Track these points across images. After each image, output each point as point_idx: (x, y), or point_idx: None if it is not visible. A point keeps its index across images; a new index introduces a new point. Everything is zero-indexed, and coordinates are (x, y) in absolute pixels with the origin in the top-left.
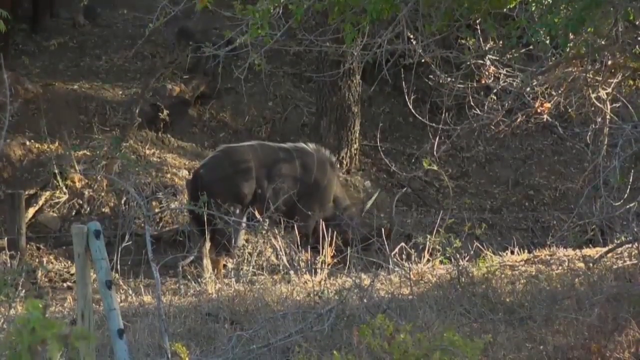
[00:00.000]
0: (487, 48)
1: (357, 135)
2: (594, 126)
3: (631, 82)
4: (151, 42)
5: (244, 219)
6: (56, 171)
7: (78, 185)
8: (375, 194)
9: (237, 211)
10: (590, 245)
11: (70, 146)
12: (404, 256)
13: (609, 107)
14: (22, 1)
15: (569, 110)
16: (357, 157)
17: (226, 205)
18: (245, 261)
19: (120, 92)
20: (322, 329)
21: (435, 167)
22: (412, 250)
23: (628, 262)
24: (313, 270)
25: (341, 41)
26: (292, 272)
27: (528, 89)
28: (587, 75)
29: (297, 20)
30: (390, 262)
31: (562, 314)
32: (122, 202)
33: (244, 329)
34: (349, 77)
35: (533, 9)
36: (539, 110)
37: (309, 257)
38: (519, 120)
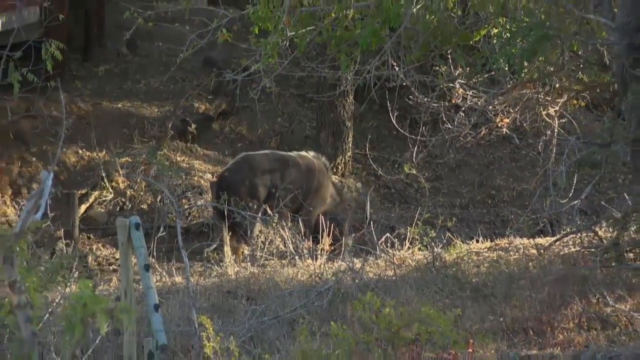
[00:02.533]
0: (456, 74)
1: (350, 145)
2: (544, 138)
3: (575, 101)
4: (182, 69)
5: (259, 214)
6: (103, 175)
7: (121, 186)
8: (368, 200)
9: (254, 207)
10: (542, 235)
11: (115, 154)
12: (388, 244)
13: (556, 122)
14: (75, 34)
15: (524, 124)
16: (350, 163)
17: (244, 202)
18: (259, 248)
19: (156, 110)
20: (322, 304)
21: (414, 171)
22: (395, 239)
23: (572, 249)
24: (314, 256)
25: (337, 68)
26: (297, 257)
27: (490, 107)
28: (539, 96)
29: (301, 51)
30: (377, 249)
31: (519, 292)
32: (158, 200)
33: (258, 304)
34: (344, 98)
35: (495, 41)
36: (499, 125)
37: (311, 245)
38: (482, 132)
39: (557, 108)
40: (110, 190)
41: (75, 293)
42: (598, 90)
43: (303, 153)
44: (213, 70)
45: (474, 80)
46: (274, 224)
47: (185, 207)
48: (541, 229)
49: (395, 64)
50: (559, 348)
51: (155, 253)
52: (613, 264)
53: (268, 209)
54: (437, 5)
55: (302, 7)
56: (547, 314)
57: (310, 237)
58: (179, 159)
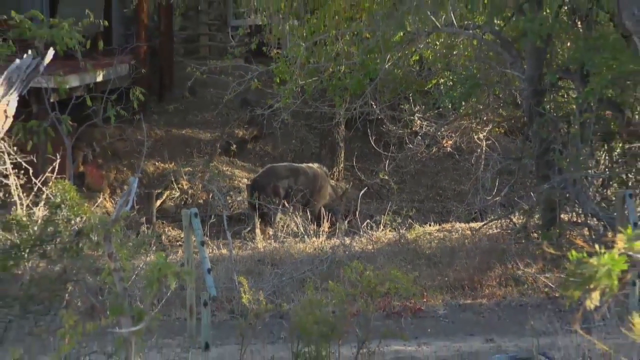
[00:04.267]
0: (415, 110)
1: (342, 159)
2: (475, 154)
3: (497, 129)
4: (226, 107)
5: (280, 207)
6: (172, 179)
7: (185, 187)
8: (359, 197)
9: (277, 202)
10: (474, 221)
11: (180, 165)
12: (369, 227)
13: (484, 143)
14: (153, 83)
15: (462, 145)
16: (342, 171)
17: (270, 199)
18: (279, 230)
19: (209, 135)
20: (323, 269)
21: (386, 177)
22: (373, 224)
23: (495, 231)
24: (317, 235)
25: (333, 106)
26: (305, 236)
27: (438, 133)
28: (472, 125)
29: (308, 94)
30: (361, 231)
31: (458, 260)
32: (210, 197)
33: (278, 269)
34: (338, 127)
35: (442, 87)
36: (444, 145)
37: (315, 228)
38: (433, 150)
39: (484, 134)
40: (177, 190)
41: (153, 261)
42: (512, 121)
43: (310, 164)
44: (248, 108)
45: (427, 114)
46: (290, 214)
47: (229, 201)
48: (474, 217)
49: (373, 103)
50: (485, 299)
51: (208, 233)
52: (523, 241)
53: (286, 203)
54: (402, 62)
55: (309, 64)
56: (477, 275)
57: (315, 222)
58: (224, 168)
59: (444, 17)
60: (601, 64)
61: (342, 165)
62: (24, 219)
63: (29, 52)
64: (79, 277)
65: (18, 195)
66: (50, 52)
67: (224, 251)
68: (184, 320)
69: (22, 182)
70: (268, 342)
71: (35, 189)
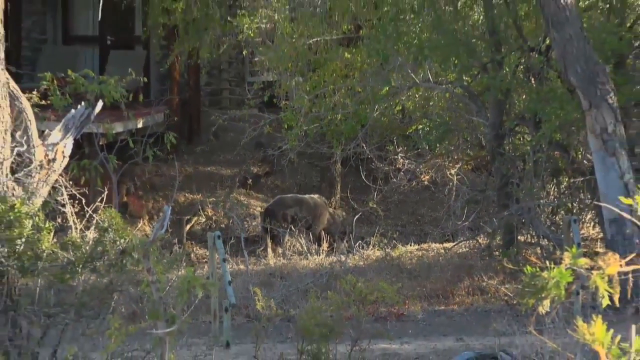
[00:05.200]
0: (399, 150)
1: (339, 191)
2: (448, 187)
3: (465, 166)
4: (244, 148)
5: (287, 230)
6: (199, 208)
7: (210, 214)
8: (354, 223)
9: (285, 226)
10: (447, 242)
11: (205, 196)
12: (360, 247)
13: (455, 178)
14: (183, 129)
15: (437, 179)
16: (338, 201)
17: (279, 224)
18: (287, 249)
19: (229, 171)
20: (322, 281)
21: (375, 206)
22: (364, 244)
23: (464, 250)
24: (318, 254)
25: (331, 147)
26: (309, 254)
27: (418, 169)
28: (445, 163)
29: (311, 137)
30: (354, 250)
31: (433, 274)
32: (230, 222)
33: (286, 281)
34: (335, 164)
35: (420, 132)
36: (422, 179)
37: (316, 247)
38: (413, 184)
39: (455, 170)
40: (203, 216)
41: (184, 275)
42: (478, 160)
43: (312, 195)
44: (261, 149)
45: (408, 154)
46: (295, 236)
47: (246, 226)
48: (447, 238)
49: (364, 145)
50: (456, 305)
51: (228, 252)
52: (487, 258)
53: (292, 227)
54: (388, 112)
55: (311, 113)
56: (449, 286)
57: (316, 243)
58: (242, 199)
59: (422, 74)
60: (551, 113)
61: (338, 195)
62: (78, 240)
63: (82, 103)
64: (123, 288)
65: (73, 221)
66: (100, 104)
67: (242, 266)
68: (209, 323)
69: (76, 210)
70: (278, 341)
71: (87, 216)
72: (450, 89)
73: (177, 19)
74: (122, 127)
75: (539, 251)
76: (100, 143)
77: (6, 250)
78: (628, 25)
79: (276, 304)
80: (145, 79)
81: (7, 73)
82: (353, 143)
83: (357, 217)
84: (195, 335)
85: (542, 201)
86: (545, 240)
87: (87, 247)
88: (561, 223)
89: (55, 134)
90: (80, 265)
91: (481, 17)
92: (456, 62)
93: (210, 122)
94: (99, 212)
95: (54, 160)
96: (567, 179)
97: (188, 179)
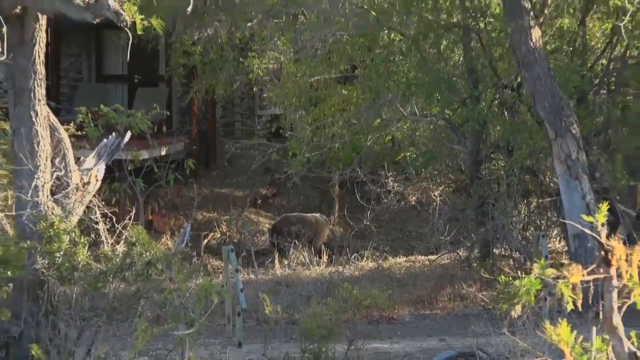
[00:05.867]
0: (389, 175)
1: (337, 210)
2: (432, 206)
3: (447, 188)
4: (254, 172)
5: (292, 244)
6: (215, 224)
7: (224, 230)
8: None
9: (290, 241)
10: (431, 254)
11: (220, 215)
12: (355, 259)
13: (438, 198)
14: (201, 156)
15: (422, 200)
16: (336, 219)
17: (285, 238)
18: (292, 261)
19: (241, 193)
20: (323, 288)
21: (368, 223)
22: (359, 256)
23: (446, 261)
24: (319, 264)
25: (330, 172)
26: (310, 265)
27: (405, 191)
28: (430, 185)
29: (312, 163)
30: (350, 261)
31: (419, 282)
32: (242, 237)
33: (291, 288)
34: (333, 187)
35: (408, 158)
36: (410, 200)
37: (317, 259)
38: (402, 204)
39: (438, 192)
40: (219, 232)
41: (201, 283)
42: (458, 183)
43: (313, 214)
44: (269, 173)
45: (397, 178)
46: (299, 249)
47: (256, 240)
48: (431, 251)
49: (359, 170)
50: (439, 310)
51: (240, 263)
52: (466, 269)
53: (296, 242)
54: (380, 141)
55: (313, 142)
56: (433, 293)
57: (317, 255)
58: (252, 217)
59: (409, 108)
60: (522, 142)
61: (336, 214)
62: (109, 253)
63: (113, 134)
64: (148, 295)
65: (105, 236)
66: (128, 134)
67: (252, 276)
68: (223, 325)
69: (108, 227)
70: (284, 341)
71: (117, 232)
72: (434, 121)
73: (196, 60)
74: (148, 154)
75: (511, 262)
76: (129, 168)
77: (47, 261)
78: (589, 65)
79: (282, 309)
80: (168, 113)
81: (47, 108)
82: (349, 168)
83: (352, 232)
84: (212, 336)
85: (514, 219)
86: (517, 253)
87: (117, 259)
88: (531, 238)
89: (90, 161)
90: (111, 275)
91: (461, 59)
92: (439, 97)
93: (225, 150)
94: (128, 228)
95: (88, 183)
96: (536, 200)
97: (205, 200)
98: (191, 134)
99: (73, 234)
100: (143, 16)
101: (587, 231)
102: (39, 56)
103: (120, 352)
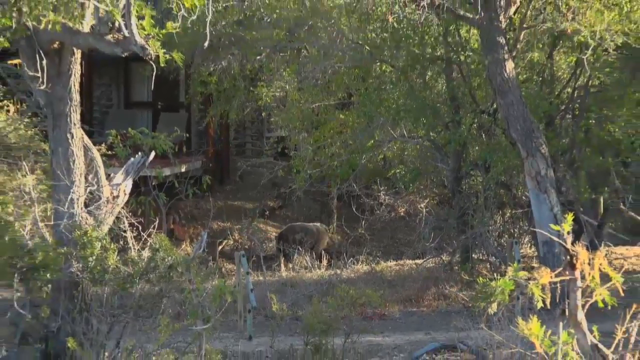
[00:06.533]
0: (381, 189)
1: (335, 220)
2: (419, 217)
3: (432, 201)
4: (262, 187)
5: (296, 250)
6: (228, 233)
7: (236, 238)
8: (348, 244)
9: (294, 247)
10: (418, 259)
11: (233, 224)
12: (352, 263)
13: (424, 210)
14: (216, 173)
15: (410, 211)
16: (335, 228)
17: (290, 245)
18: (296, 264)
19: (251, 205)
20: (323, 289)
21: (363, 232)
22: (355, 260)
23: (431, 265)
24: (319, 268)
25: (329, 186)
26: (312, 268)
27: (395, 204)
28: (416, 199)
29: (314, 179)
30: (347, 265)
31: (408, 283)
32: (252, 243)
33: (295, 289)
34: (332, 200)
35: (398, 175)
36: (399, 211)
37: (318, 263)
38: (392, 214)
39: (424, 204)
40: (232, 239)
41: (216, 284)
42: (442, 196)
43: (315, 223)
44: (276, 188)
45: (388, 192)
46: (302, 255)
47: (264, 247)
48: (418, 256)
49: (354, 185)
50: (425, 308)
51: (251, 267)
52: (448, 271)
53: (300, 248)
54: (373, 159)
55: (314, 160)
56: (420, 293)
57: (318, 260)
58: (261, 226)
59: (398, 131)
60: (497, 160)
61: (335, 224)
62: (136, 258)
63: (139, 153)
64: (170, 294)
65: (132, 243)
66: (152, 154)
67: (261, 278)
68: (235, 321)
69: (134, 234)
70: (289, 335)
71: (143, 239)
72: (420, 142)
73: (212, 89)
74: (170, 171)
75: (488, 266)
76: (153, 183)
77: (81, 265)
78: (556, 93)
79: (287, 307)
80: (187, 135)
81: (82, 130)
82: (346, 183)
83: (349, 240)
84: (225, 330)
85: (490, 227)
86: (493, 257)
87: (143, 263)
88: (505, 244)
89: (119, 177)
90: (137, 277)
91: (444, 87)
92: (425, 121)
93: (237, 167)
94: (152, 236)
95: (117, 196)
96: (509, 211)
97: (220, 211)
98: (207, 153)
99: (104, 241)
100: (165, 50)
101: (555, 238)
102: (74, 85)
103: (145, 344)
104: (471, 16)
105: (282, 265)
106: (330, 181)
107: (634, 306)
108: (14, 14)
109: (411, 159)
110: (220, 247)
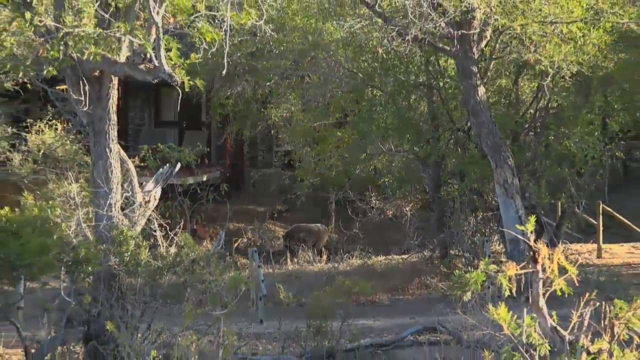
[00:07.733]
0: (372, 195)
1: (333, 222)
2: (404, 219)
3: (416, 206)
4: (272, 193)
5: (301, 247)
6: (243, 232)
7: (250, 236)
8: (343, 242)
9: (299, 244)
10: (404, 254)
11: (247, 225)
12: (347, 257)
13: (409, 213)
14: (233, 181)
15: (397, 214)
16: (333, 228)
17: (296, 242)
18: (301, 259)
19: (262, 208)
20: (323, 280)
21: (357, 231)
22: (350, 256)
23: (415, 259)
24: (320, 262)
25: (328, 193)
26: (314, 262)
27: (385, 207)
28: (402, 203)
29: (315, 186)
30: (343, 260)
31: (395, 275)
32: (263, 241)
33: (300, 279)
34: (331, 204)
35: (386, 183)
36: (388, 214)
37: (319, 258)
38: (382, 217)
39: (409, 208)
40: (245, 238)
41: (233, 276)
42: (424, 201)
43: (316, 224)
44: (283, 194)
45: (378, 197)
46: (305, 251)
47: (273, 244)
48: (404, 252)
49: (350, 191)
50: (410, 296)
51: (262, 261)
52: (430, 265)
53: (304, 245)
54: (365, 170)
55: (315, 170)
56: (406, 283)
57: (319, 255)
58: (270, 227)
59: (387, 145)
60: (470, 171)
61: (333, 224)
62: (164, 253)
63: (167, 165)
64: (193, 284)
65: (161, 241)
66: (178, 165)
67: (270, 270)
68: (249, 307)
69: (163, 234)
70: (294, 319)
71: (170, 238)
72: (405, 155)
73: (229, 110)
74: (193, 180)
75: (463, 260)
76: (179, 190)
77: (117, 259)
78: (520, 114)
79: (293, 295)
80: (208, 149)
81: (118, 145)
82: (342, 190)
83: (345, 238)
84: (240, 315)
85: (465, 228)
86: (468, 253)
87: (170, 258)
88: (478, 242)
89: (150, 185)
90: (166, 270)
91: (425, 109)
92: (409, 137)
93: (250, 176)
94: (178, 235)
95: (148, 201)
96: (481, 213)
97: (236, 214)
98: (225, 165)
99: (137, 239)
100: (189, 77)
101: (520, 237)
102: (112, 107)
103: (172, 327)
104: (449, 48)
105: (289, 259)
106: (329, 188)
107: (587, 294)
108: (61, 47)
109: (398, 170)
110: (235, 245)
